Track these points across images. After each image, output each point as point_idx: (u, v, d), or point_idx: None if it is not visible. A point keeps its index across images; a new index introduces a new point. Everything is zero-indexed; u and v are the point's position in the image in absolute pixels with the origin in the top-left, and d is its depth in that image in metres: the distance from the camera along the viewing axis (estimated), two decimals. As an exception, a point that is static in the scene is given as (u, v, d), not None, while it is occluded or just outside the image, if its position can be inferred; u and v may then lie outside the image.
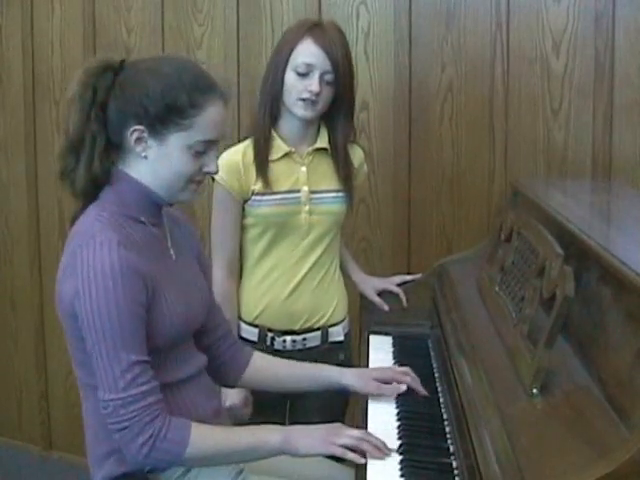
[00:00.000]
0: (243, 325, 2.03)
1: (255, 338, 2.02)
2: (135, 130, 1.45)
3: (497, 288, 1.74)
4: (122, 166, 1.50)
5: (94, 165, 1.47)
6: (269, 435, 1.46)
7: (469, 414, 1.35)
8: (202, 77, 1.49)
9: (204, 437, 1.43)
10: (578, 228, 1.48)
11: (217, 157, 1.53)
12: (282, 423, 2.04)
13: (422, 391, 1.68)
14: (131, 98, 1.45)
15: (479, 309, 1.77)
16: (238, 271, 2.04)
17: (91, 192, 1.49)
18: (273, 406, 2.03)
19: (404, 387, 1.66)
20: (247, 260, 2.04)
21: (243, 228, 2.01)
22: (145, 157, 1.47)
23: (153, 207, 1.53)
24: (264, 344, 2.01)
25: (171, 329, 1.47)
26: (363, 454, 1.43)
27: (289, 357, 1.94)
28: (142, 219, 1.50)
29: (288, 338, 2.02)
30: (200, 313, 1.60)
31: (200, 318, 1.60)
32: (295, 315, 2.02)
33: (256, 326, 2.02)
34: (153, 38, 2.81)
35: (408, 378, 1.68)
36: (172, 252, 1.56)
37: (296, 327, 2.03)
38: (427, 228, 2.51)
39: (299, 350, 2.03)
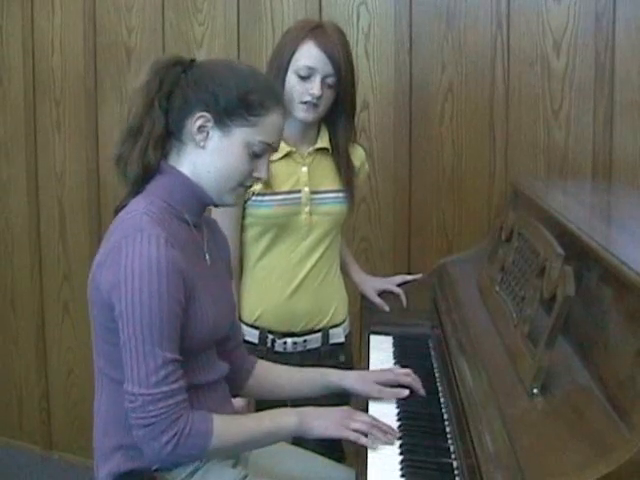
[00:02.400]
0: (244, 327, 2.01)
1: (256, 340, 2.01)
2: (201, 117, 1.46)
3: (497, 288, 1.74)
4: (173, 161, 1.51)
5: (148, 153, 1.47)
6: (286, 418, 1.49)
7: (469, 414, 1.35)
8: (273, 85, 1.56)
9: (226, 427, 1.43)
10: (578, 228, 1.48)
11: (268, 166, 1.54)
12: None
13: (422, 391, 1.68)
14: (203, 86, 1.47)
15: (479, 309, 1.77)
16: (238, 272, 2.04)
17: (141, 181, 1.49)
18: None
19: (406, 392, 1.66)
20: (247, 261, 2.03)
21: (243, 228, 2.00)
22: (203, 147, 1.47)
23: (198, 206, 1.53)
24: (264, 346, 2.00)
25: (200, 333, 1.46)
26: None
27: (289, 359, 1.94)
28: (186, 217, 1.50)
29: (289, 340, 2.02)
30: (227, 322, 1.60)
31: (227, 327, 1.60)
32: (296, 317, 2.01)
33: (257, 328, 2.01)
34: (153, 38, 2.81)
35: (409, 379, 1.69)
36: (207, 257, 1.56)
37: (297, 329, 2.02)
38: (427, 228, 2.51)
39: (299, 352, 2.02)
